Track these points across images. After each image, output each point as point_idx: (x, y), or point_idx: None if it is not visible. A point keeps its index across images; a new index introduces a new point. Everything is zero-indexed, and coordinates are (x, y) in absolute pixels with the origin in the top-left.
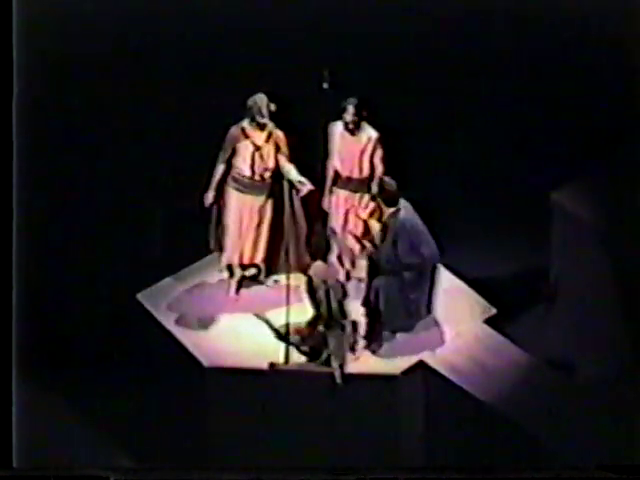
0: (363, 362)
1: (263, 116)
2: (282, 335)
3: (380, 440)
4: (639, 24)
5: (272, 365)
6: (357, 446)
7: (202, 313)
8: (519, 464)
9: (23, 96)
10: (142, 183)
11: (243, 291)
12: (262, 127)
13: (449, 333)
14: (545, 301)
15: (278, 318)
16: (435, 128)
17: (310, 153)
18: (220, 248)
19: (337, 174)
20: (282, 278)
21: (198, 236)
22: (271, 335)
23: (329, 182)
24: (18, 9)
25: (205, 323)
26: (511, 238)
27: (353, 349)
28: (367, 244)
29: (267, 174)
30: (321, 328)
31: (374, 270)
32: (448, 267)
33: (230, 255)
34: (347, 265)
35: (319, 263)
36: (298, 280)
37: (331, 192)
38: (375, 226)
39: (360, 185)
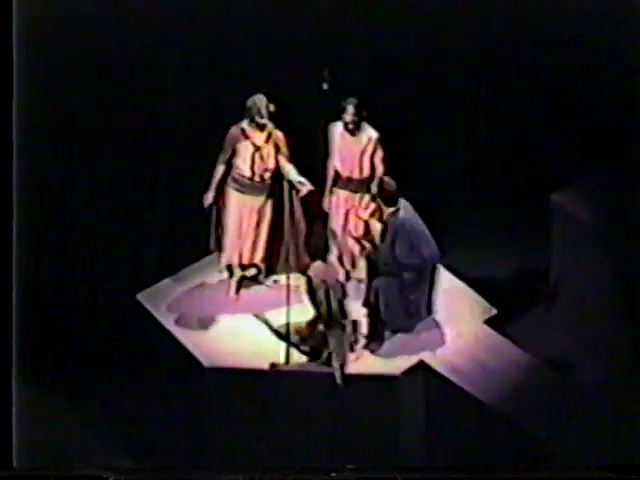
0: (363, 362)
1: (262, 116)
2: (282, 335)
3: (380, 440)
4: (639, 24)
5: (273, 365)
6: (357, 446)
7: (202, 313)
8: (519, 464)
9: (23, 96)
10: (142, 183)
11: (243, 291)
12: (262, 128)
13: (449, 333)
14: (545, 301)
15: (278, 318)
16: (435, 128)
17: (310, 153)
18: (220, 248)
19: (337, 174)
20: (282, 278)
21: (198, 236)
22: (271, 335)
23: (329, 182)
24: (18, 9)
25: (205, 323)
26: (511, 238)
27: (353, 349)
28: (367, 245)
29: (267, 174)
30: (321, 328)
31: (373, 270)
32: (448, 267)
33: (230, 255)
34: (347, 266)
35: (318, 263)
36: (298, 280)
37: (331, 192)
38: (376, 226)
39: (360, 185)
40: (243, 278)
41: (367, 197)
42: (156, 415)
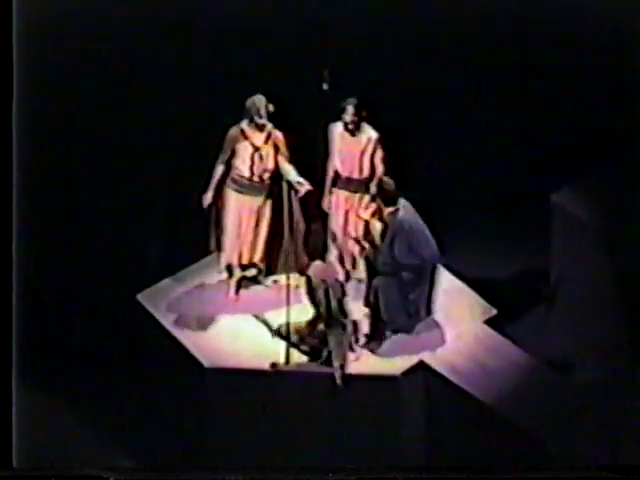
0: (363, 362)
1: (261, 117)
2: (281, 335)
3: (380, 440)
4: (639, 24)
5: (273, 365)
6: (357, 446)
7: (202, 314)
8: (519, 464)
9: (23, 96)
10: (142, 183)
11: (243, 292)
12: (261, 128)
13: (449, 334)
14: (545, 302)
15: (278, 318)
16: (435, 128)
17: (310, 154)
18: (219, 249)
19: (337, 174)
20: (281, 278)
21: (198, 237)
22: (270, 336)
23: (329, 182)
24: (18, 9)
25: (205, 324)
26: (511, 238)
27: (353, 349)
28: (366, 245)
29: (266, 175)
30: (321, 327)
31: (372, 270)
32: (448, 267)
33: (229, 255)
34: (347, 266)
35: (318, 263)
36: (297, 280)
37: (331, 193)
38: (376, 226)
39: (360, 186)
40: (243, 278)
41: (367, 197)
42: (156, 415)
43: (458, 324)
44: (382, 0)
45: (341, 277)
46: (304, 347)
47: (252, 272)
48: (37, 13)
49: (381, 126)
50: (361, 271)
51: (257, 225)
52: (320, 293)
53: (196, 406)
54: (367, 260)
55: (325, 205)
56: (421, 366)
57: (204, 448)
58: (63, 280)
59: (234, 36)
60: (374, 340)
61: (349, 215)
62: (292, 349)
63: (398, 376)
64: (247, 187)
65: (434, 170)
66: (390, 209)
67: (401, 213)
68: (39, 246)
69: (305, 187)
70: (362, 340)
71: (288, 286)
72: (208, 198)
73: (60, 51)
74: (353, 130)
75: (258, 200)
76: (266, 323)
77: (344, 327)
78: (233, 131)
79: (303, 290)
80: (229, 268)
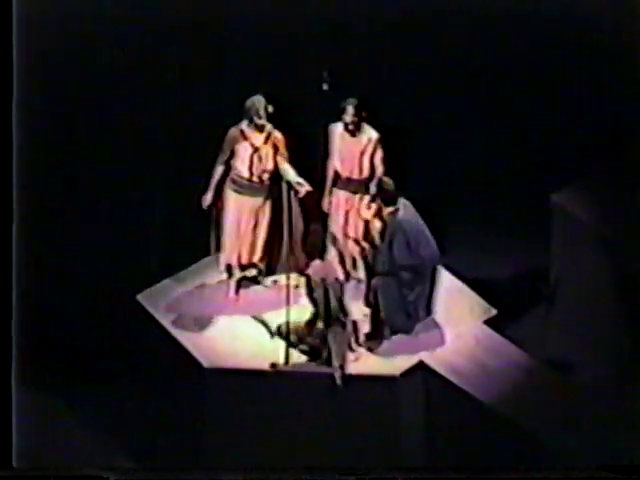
0: (363, 363)
1: (261, 117)
2: (280, 335)
3: (380, 440)
4: (639, 24)
5: (273, 366)
6: (357, 446)
7: (202, 314)
8: (519, 464)
9: (23, 96)
10: (142, 184)
11: (242, 292)
12: (260, 129)
13: (449, 334)
14: (545, 302)
15: (277, 319)
16: (435, 128)
17: (310, 154)
18: (219, 249)
19: (337, 175)
20: (281, 278)
21: (198, 237)
22: (269, 336)
23: (329, 183)
24: (18, 9)
25: (205, 324)
26: (511, 238)
27: (352, 348)
28: (366, 245)
29: (265, 175)
30: (321, 326)
31: (371, 270)
32: (448, 267)
33: (228, 256)
34: (348, 266)
35: (317, 262)
36: (297, 280)
37: (331, 193)
38: (377, 226)
39: (360, 186)
40: (243, 279)
41: (367, 197)
42: (156, 415)
43: (458, 324)
44: (382, 0)
45: (341, 277)
46: (304, 347)
47: (252, 272)
48: (37, 13)
49: (381, 126)
50: (361, 271)
51: (256, 225)
52: (320, 292)
53: (195, 406)
54: (366, 260)
55: (325, 205)
56: (421, 366)
57: (204, 448)
58: (63, 280)
59: (234, 36)
60: (374, 340)
61: (349, 215)
62: (292, 349)
63: (398, 376)
64: (246, 187)
65: (434, 170)
66: (390, 209)
67: (401, 213)
68: (39, 246)
69: (305, 188)
70: (362, 340)
71: (288, 286)
72: (208, 199)
73: (60, 51)
74: (353, 130)
75: (257, 200)
76: (264, 324)
77: (344, 326)
78: (233, 132)
79: (303, 289)
80: (229, 268)
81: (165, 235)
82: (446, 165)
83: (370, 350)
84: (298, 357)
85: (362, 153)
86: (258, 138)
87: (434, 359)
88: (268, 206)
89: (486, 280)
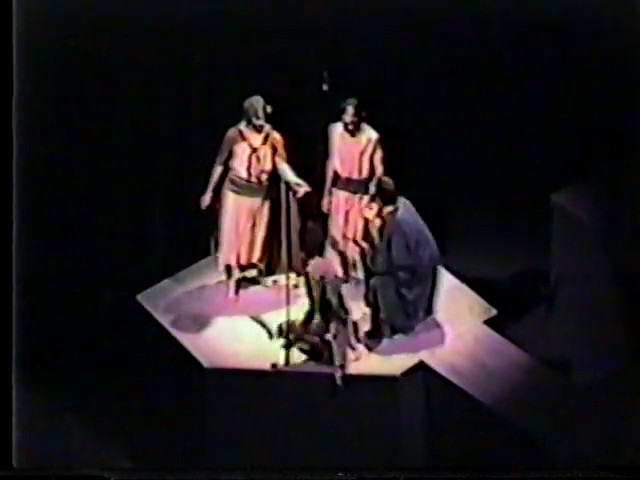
0: (363, 363)
1: (259, 118)
2: (280, 336)
3: (380, 440)
4: (639, 24)
5: (274, 366)
6: (357, 446)
7: (201, 314)
8: (519, 464)
9: (23, 96)
10: (142, 184)
11: (242, 292)
12: (259, 129)
13: (449, 334)
14: (545, 302)
15: (277, 319)
16: (435, 128)
17: (310, 155)
18: (218, 250)
19: (336, 175)
20: (281, 278)
21: (198, 237)
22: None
23: (328, 183)
24: (18, 9)
25: (204, 324)
26: (511, 238)
27: (353, 347)
28: (366, 246)
29: (264, 176)
30: (317, 322)
31: (369, 270)
32: (448, 267)
33: (227, 256)
34: (348, 267)
35: (317, 260)
36: (297, 280)
37: (330, 193)
38: (377, 225)
39: (360, 186)
40: (243, 279)
41: (366, 198)
42: (156, 415)
43: (458, 324)
44: (382, 0)
45: (340, 273)
46: (304, 346)
47: (252, 273)
48: (37, 13)
49: (381, 126)
50: (360, 271)
51: (255, 226)
52: (319, 290)
53: (195, 406)
54: (364, 260)
55: (325, 206)
56: (421, 366)
57: (204, 448)
58: (63, 280)
59: (233, 36)
60: (373, 339)
61: (349, 216)
62: (292, 349)
63: (398, 376)
64: (245, 188)
65: (434, 170)
66: (389, 208)
67: (400, 212)
68: (39, 246)
69: (303, 188)
70: (361, 338)
71: (288, 286)
72: (206, 199)
73: (60, 51)
74: (353, 130)
75: (256, 201)
76: (263, 324)
77: (345, 323)
78: (231, 132)
79: (302, 289)
80: (228, 269)
81: (165, 235)
82: (446, 165)
83: (369, 349)
84: (298, 357)
85: (362, 153)
86: (257, 139)
87: (434, 359)
88: (266, 206)
89: (486, 280)
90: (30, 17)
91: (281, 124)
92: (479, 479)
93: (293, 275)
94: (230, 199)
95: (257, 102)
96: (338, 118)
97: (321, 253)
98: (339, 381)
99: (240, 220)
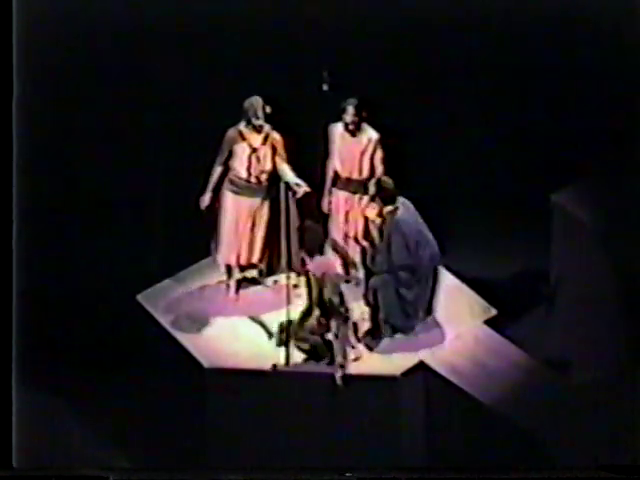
0: (363, 363)
1: (259, 118)
2: (280, 334)
3: (380, 440)
4: (639, 24)
5: (274, 366)
6: (357, 446)
7: (202, 314)
8: (519, 464)
9: (23, 96)
10: (142, 184)
11: (242, 292)
12: (259, 129)
13: (449, 334)
14: (545, 302)
15: (278, 319)
16: (435, 128)
17: (310, 155)
18: (218, 250)
19: (337, 175)
20: (281, 279)
21: (198, 237)
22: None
23: (329, 183)
24: (18, 9)
25: (205, 324)
26: (511, 238)
27: (353, 346)
28: (365, 245)
29: (263, 176)
30: (322, 324)
31: (369, 270)
32: (448, 267)
33: (227, 256)
34: (348, 267)
35: (317, 258)
36: (297, 280)
37: (330, 193)
38: (379, 225)
39: (360, 186)
40: (244, 279)
41: (366, 198)
42: (156, 415)
43: (458, 324)
44: (382, 0)
45: (340, 271)
46: (304, 345)
47: (252, 273)
48: (37, 13)
49: (381, 126)
50: (360, 271)
51: (254, 226)
52: (319, 290)
53: (195, 406)
54: (364, 260)
55: (325, 206)
56: (421, 366)
57: (204, 448)
58: (63, 280)
59: (233, 36)
60: (373, 339)
61: (349, 216)
62: (292, 349)
63: (398, 376)
64: (244, 188)
65: (434, 170)
66: (389, 208)
67: (400, 212)
68: (39, 246)
69: (303, 188)
70: (361, 338)
71: (288, 286)
72: (206, 200)
73: (60, 51)
74: (353, 130)
75: (255, 201)
76: (263, 325)
77: (346, 320)
78: (231, 132)
79: (302, 289)
80: (228, 269)
81: (165, 235)
82: (446, 165)
83: (369, 348)
84: (298, 357)
85: (362, 153)
86: (256, 139)
87: (434, 359)
88: (266, 207)
89: (486, 280)
90: (30, 17)
91: (281, 124)
92: (479, 479)
93: (293, 275)
94: (230, 199)
95: (257, 102)
96: (338, 118)
97: (321, 253)
98: (339, 381)
99: (240, 220)
